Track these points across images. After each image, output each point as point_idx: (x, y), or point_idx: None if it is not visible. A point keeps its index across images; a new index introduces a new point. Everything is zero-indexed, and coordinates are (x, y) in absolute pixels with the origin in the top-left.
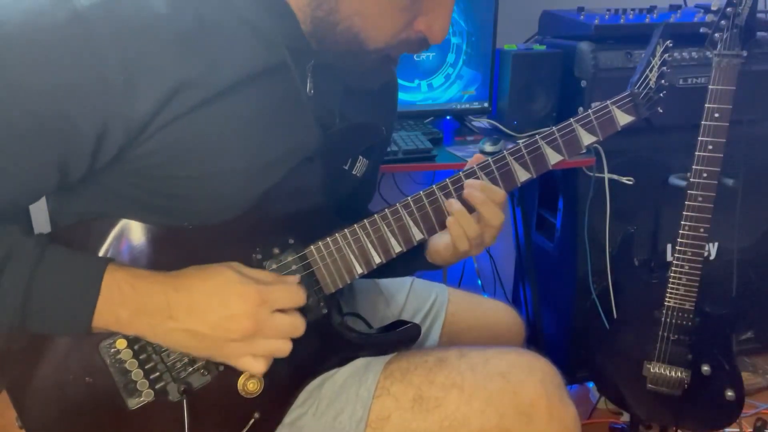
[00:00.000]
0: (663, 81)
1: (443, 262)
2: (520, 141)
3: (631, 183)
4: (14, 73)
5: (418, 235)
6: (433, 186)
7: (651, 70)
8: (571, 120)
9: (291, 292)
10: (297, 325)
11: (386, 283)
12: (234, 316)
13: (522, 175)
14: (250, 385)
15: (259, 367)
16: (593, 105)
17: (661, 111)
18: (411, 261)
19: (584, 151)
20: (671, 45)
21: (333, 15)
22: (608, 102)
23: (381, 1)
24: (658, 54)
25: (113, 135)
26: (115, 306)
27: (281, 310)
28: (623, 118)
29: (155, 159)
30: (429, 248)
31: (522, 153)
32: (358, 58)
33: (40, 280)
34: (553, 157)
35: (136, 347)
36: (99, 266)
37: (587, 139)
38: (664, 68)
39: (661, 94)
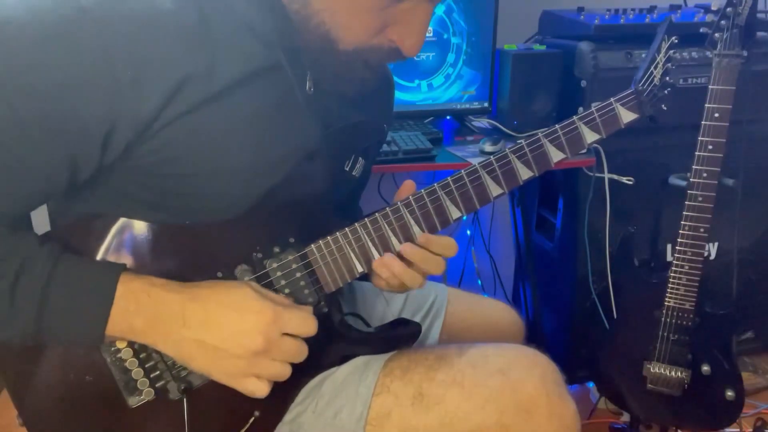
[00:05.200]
0: (668, 78)
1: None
2: (522, 140)
3: (631, 183)
4: (21, 73)
5: (419, 233)
6: (435, 184)
7: (656, 67)
8: (575, 118)
9: (305, 319)
10: (302, 352)
11: None
12: (246, 331)
13: (524, 174)
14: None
15: (263, 389)
16: (593, 105)
17: (665, 108)
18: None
19: (586, 149)
20: (677, 41)
21: (305, 9)
22: (612, 99)
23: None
24: (663, 50)
25: (121, 131)
26: (130, 315)
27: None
28: (627, 116)
29: (159, 156)
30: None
31: (524, 151)
32: (330, 58)
33: (54, 292)
34: (556, 155)
35: (136, 346)
36: (112, 276)
37: (590, 136)
38: (669, 65)
39: (666, 91)
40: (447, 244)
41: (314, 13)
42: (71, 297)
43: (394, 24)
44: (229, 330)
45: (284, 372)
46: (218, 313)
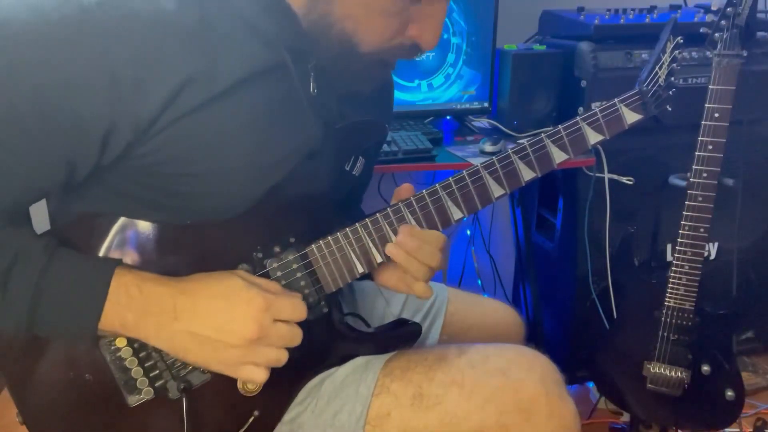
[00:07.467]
0: (672, 78)
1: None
2: (524, 140)
3: (631, 183)
4: (22, 71)
5: None
6: (437, 185)
7: (660, 67)
8: (578, 118)
9: (295, 305)
10: (296, 335)
11: None
12: (239, 319)
13: (526, 174)
14: (249, 384)
15: (261, 375)
16: (594, 105)
17: (669, 109)
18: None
19: (590, 150)
20: (682, 41)
21: (327, 18)
22: (616, 100)
23: (371, 6)
24: (668, 51)
25: (121, 132)
26: (122, 309)
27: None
28: (631, 117)
29: (160, 156)
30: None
31: (527, 152)
32: (351, 61)
33: (48, 285)
34: (559, 156)
35: (135, 345)
36: (107, 271)
37: (594, 137)
38: (674, 65)
39: (671, 92)
40: (431, 237)
41: (336, 21)
42: (65, 290)
43: (414, 22)
44: (221, 320)
45: (281, 357)
46: (209, 305)
